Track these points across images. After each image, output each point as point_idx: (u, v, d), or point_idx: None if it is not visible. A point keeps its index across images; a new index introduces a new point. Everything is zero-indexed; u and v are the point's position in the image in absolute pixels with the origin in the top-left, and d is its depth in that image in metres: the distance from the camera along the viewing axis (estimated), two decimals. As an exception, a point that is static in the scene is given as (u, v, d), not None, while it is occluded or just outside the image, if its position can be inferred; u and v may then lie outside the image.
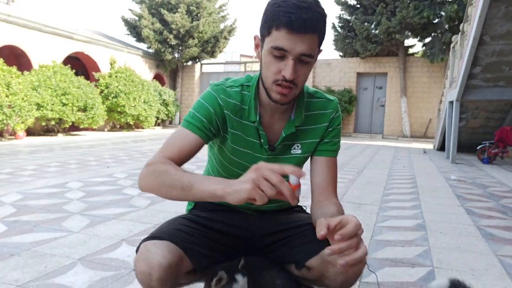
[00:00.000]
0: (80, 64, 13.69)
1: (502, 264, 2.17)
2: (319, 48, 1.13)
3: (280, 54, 1.06)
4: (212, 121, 1.18)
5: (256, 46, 1.16)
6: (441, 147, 9.47)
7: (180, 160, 1.15)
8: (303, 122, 1.23)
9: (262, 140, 1.22)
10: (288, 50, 1.04)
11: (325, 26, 1.10)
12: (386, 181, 4.96)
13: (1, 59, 8.67)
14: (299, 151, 1.26)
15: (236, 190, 0.91)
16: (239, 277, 1.05)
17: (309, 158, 1.32)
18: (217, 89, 1.21)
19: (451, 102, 7.51)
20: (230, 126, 1.21)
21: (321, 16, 1.06)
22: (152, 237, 1.15)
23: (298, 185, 0.93)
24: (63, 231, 2.49)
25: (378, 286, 1.73)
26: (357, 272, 1.19)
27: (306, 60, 1.08)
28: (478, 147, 7.42)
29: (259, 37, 1.14)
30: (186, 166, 1.12)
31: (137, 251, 1.15)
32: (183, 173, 1.05)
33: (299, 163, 1.28)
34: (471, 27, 5.94)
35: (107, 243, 2.29)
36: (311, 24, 1.03)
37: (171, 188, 1.04)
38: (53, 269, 1.89)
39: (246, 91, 1.22)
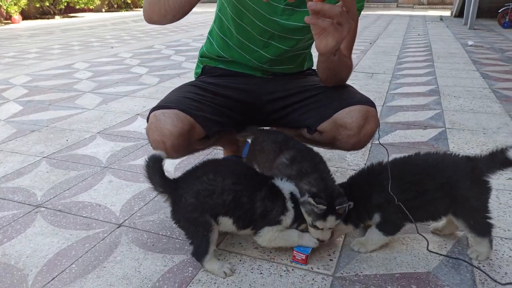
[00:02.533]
0: None
1: (514, 122, 2.18)
2: None
3: None
4: None
5: None
6: (459, 14, 8.89)
7: None
8: None
9: None
10: None
11: None
12: (399, 50, 4.78)
13: None
14: None
15: None
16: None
17: None
18: None
19: (477, -41, 6.77)
20: None
21: None
22: (160, 106, 1.14)
23: None
24: (78, 108, 2.52)
25: (388, 159, 1.77)
26: (369, 134, 1.19)
27: None
28: (499, 10, 6.93)
29: None
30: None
31: (147, 120, 1.15)
32: None
33: None
34: None
35: (123, 118, 2.33)
36: None
37: None
38: (75, 142, 1.96)
39: None
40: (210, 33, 1.38)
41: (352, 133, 1.17)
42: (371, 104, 1.19)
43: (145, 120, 2.21)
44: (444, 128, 2.11)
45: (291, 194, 1.01)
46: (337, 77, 1.23)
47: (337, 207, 0.96)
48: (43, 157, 1.77)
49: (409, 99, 2.68)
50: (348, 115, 1.16)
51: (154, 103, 2.63)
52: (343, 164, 1.70)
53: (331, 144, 1.26)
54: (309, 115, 1.25)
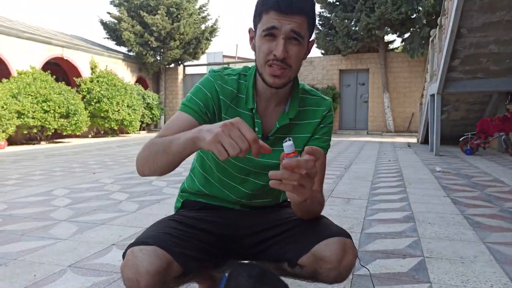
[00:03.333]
0: (60, 70, 13.45)
1: (490, 251, 2.21)
2: (310, 35, 1.15)
3: (270, 34, 1.08)
4: (209, 105, 1.19)
5: (251, 39, 1.18)
6: (425, 140, 9.62)
7: None
8: (296, 116, 1.25)
9: (256, 129, 1.23)
10: (278, 27, 1.07)
11: (313, 10, 1.12)
12: (373, 175, 5.01)
13: (-22, 67, 8.46)
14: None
15: (203, 137, 0.91)
16: None
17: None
18: (214, 75, 1.23)
19: (432, 96, 7.64)
20: (224, 112, 1.22)
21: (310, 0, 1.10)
22: (138, 242, 1.13)
23: (294, 153, 0.91)
24: (51, 238, 2.45)
25: (372, 281, 1.75)
26: (349, 266, 1.20)
27: (297, 39, 1.09)
28: (460, 139, 7.56)
29: (253, 28, 1.17)
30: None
31: (123, 257, 1.13)
32: (166, 137, 1.06)
33: None
34: (448, 20, 6.06)
35: (97, 249, 2.25)
36: (297, 4, 1.06)
37: (157, 154, 1.05)
38: (42, 277, 1.85)
39: (243, 80, 1.24)
40: (192, 170, 1.46)
41: (332, 266, 1.16)
42: (347, 235, 1.22)
43: (120, 251, 2.14)
44: (422, 257, 2.11)
45: None
46: (311, 212, 1.28)
47: None
48: (6, 296, 1.65)
49: (385, 225, 2.72)
50: (327, 248, 1.17)
51: (131, 231, 2.58)
52: (325, 299, 1.63)
53: (313, 277, 1.24)
54: (288, 248, 1.26)
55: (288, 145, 0.90)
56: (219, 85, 1.22)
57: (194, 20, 17.16)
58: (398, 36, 14.99)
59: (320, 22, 15.98)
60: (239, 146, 0.86)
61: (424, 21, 13.37)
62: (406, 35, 14.57)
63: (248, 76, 1.24)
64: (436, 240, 2.41)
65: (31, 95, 9.64)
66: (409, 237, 2.46)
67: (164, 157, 1.05)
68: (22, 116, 9.28)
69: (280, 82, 1.14)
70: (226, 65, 1.32)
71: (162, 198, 3.64)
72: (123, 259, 1.12)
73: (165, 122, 17.61)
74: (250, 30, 1.19)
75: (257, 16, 1.11)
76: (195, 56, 17.84)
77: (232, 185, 1.33)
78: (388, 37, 15.48)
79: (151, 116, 15.41)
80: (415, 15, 13.70)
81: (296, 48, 1.11)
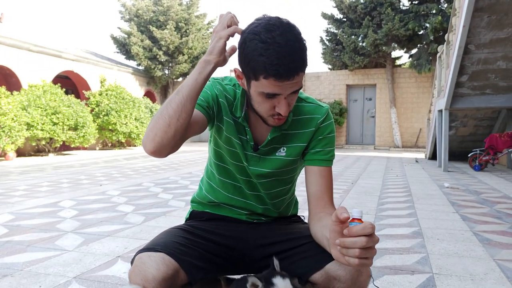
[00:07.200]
0: (70, 83, 13.65)
1: (500, 268, 2.17)
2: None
3: (272, 96, 1.09)
4: (210, 103, 1.22)
5: (238, 77, 1.16)
6: (433, 156, 9.55)
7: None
8: (290, 126, 1.25)
9: (247, 137, 1.25)
10: (281, 93, 1.08)
11: (307, 57, 1.10)
12: (380, 190, 4.97)
13: (-10, 79, 8.61)
14: (283, 154, 1.27)
15: (214, 46, 1.09)
16: (277, 280, 1.02)
17: (304, 169, 1.32)
18: (214, 81, 1.27)
19: (440, 111, 7.62)
20: (225, 114, 1.24)
21: (304, 52, 1.06)
22: (147, 248, 1.13)
23: (359, 220, 0.90)
24: (57, 250, 2.45)
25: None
26: (363, 286, 1.17)
27: (296, 91, 1.11)
28: (469, 155, 7.49)
29: (240, 70, 1.13)
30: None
31: (132, 263, 1.13)
32: None
33: (283, 165, 1.28)
34: (456, 36, 6.08)
35: (102, 261, 2.25)
36: (296, 68, 1.05)
37: (169, 103, 1.07)
38: (48, 288, 1.85)
39: (238, 89, 1.26)
40: (201, 181, 1.47)
41: (345, 286, 1.14)
42: None
43: (125, 264, 2.13)
44: (431, 274, 2.07)
45: None
46: None
47: None
48: (11, 307, 1.65)
49: (393, 241, 2.69)
50: (341, 267, 1.15)
51: (137, 243, 2.58)
52: (332, 315, 1.60)
53: None
54: (299, 264, 1.23)
55: (357, 211, 0.91)
56: (218, 89, 1.25)
57: (203, 35, 17.40)
58: (405, 52, 15.07)
59: (327, 38, 16.11)
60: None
61: (432, 38, 13.43)
62: (413, 51, 14.64)
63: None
64: (445, 256, 2.37)
65: (41, 108, 9.77)
66: (417, 253, 2.42)
67: (177, 100, 1.06)
68: (32, 128, 9.38)
69: (282, 123, 1.18)
70: (226, 76, 1.33)
71: (168, 210, 3.64)
72: (131, 265, 1.12)
73: (172, 135, 17.70)
74: (235, 70, 1.16)
75: (252, 73, 1.07)
76: (203, 71, 18.01)
77: (236, 185, 1.33)
78: (395, 53, 15.54)
79: (158, 129, 15.51)
80: (422, 31, 13.78)
81: (295, 95, 1.13)
